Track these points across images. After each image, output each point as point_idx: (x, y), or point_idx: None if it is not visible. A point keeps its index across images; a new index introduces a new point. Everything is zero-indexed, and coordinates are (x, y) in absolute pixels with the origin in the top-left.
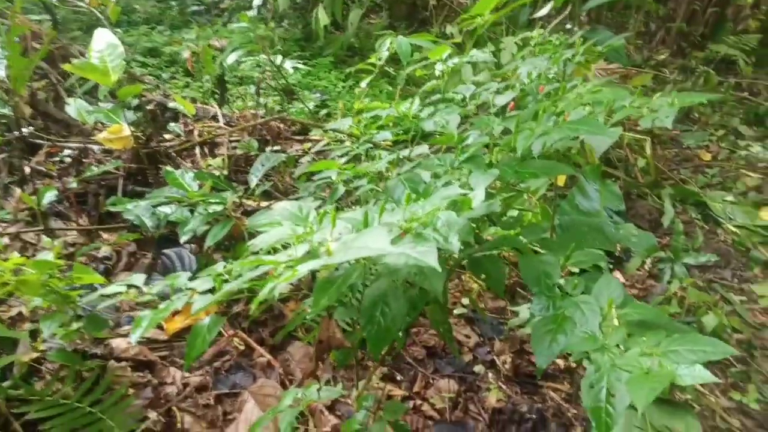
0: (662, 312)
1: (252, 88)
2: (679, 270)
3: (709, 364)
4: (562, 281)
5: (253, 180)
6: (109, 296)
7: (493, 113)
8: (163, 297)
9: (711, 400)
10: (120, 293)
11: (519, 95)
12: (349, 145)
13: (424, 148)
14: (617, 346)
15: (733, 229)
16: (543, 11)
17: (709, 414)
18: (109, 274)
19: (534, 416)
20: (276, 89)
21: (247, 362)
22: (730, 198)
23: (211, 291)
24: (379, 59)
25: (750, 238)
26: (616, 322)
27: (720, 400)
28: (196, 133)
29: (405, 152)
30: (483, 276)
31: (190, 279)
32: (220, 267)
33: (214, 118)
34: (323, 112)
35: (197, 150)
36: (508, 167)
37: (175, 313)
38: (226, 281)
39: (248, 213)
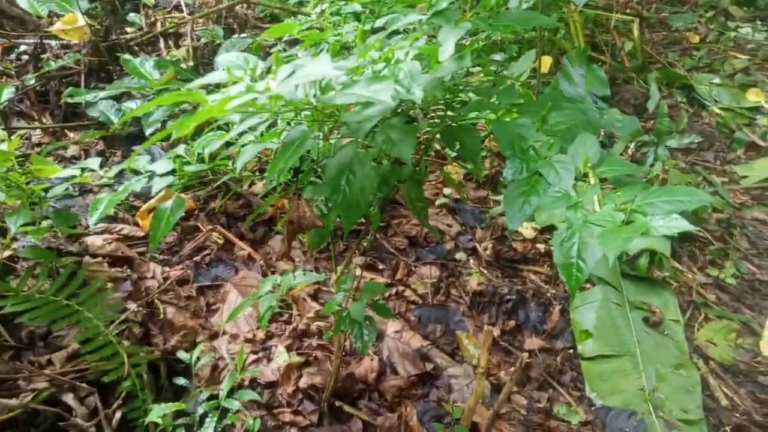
0: (636, 167)
1: None
2: (662, 152)
3: (687, 243)
4: (537, 144)
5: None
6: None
7: None
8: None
9: (688, 276)
10: (75, 176)
11: None
12: (314, 18)
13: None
14: (591, 203)
15: (718, 112)
16: None
17: (686, 290)
18: None
19: (514, 297)
20: None
21: (227, 256)
22: (716, 80)
23: (173, 173)
24: None
25: (735, 119)
26: (592, 180)
27: (697, 276)
28: (158, 23)
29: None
30: (457, 147)
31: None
32: (181, 149)
33: (177, 8)
34: None
35: (161, 42)
36: (481, 20)
37: (149, 210)
38: (187, 163)
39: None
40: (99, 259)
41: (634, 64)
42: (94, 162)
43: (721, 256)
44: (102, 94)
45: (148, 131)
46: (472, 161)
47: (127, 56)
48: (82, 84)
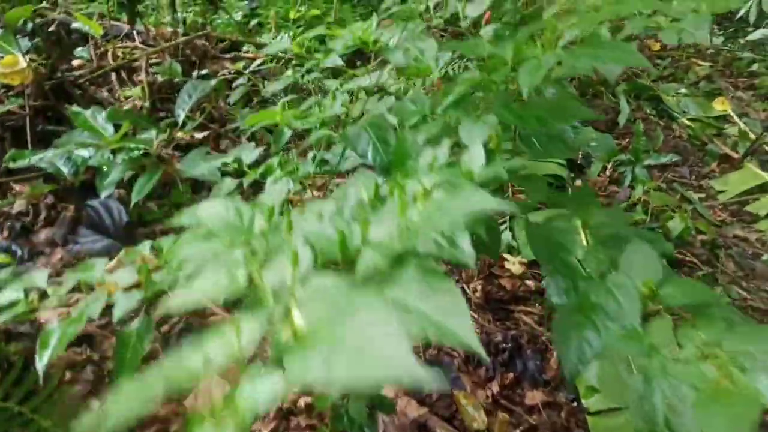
0: (708, 290)
1: None
2: (640, 172)
3: (676, 269)
4: (580, 252)
5: (181, 114)
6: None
7: (465, 28)
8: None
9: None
10: (17, 302)
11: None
12: (291, 75)
13: (384, 75)
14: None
15: (688, 123)
16: None
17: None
18: (28, 233)
19: (509, 345)
20: None
21: (198, 321)
22: (683, 90)
23: (137, 286)
24: None
25: (704, 130)
26: (655, 305)
27: None
28: (109, 55)
29: (363, 81)
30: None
31: (121, 235)
32: (146, 247)
33: (128, 36)
34: (254, 22)
35: (113, 76)
36: (507, 110)
37: (110, 272)
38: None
39: (181, 147)
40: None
41: (601, 76)
42: (40, 277)
43: (710, 281)
44: (49, 154)
45: (103, 194)
46: (492, 256)
47: (76, 108)
48: (28, 129)
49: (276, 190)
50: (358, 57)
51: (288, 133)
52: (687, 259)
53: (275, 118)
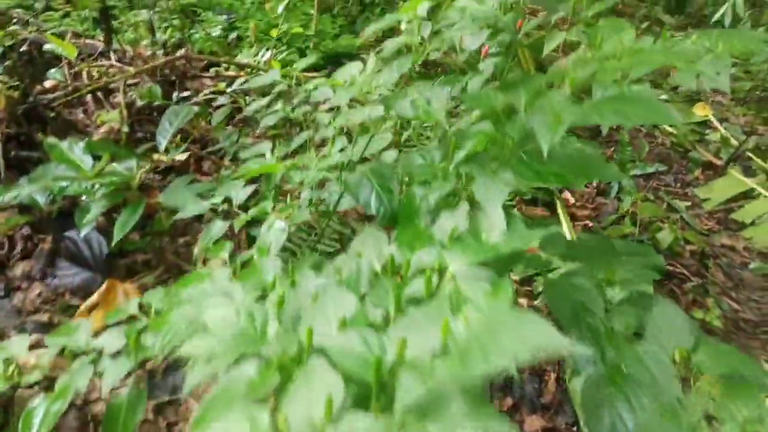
0: (742, 356)
1: (144, 13)
2: (627, 183)
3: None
4: (605, 312)
5: (162, 142)
6: None
7: (465, 62)
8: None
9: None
10: None
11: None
12: (281, 108)
13: (378, 110)
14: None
15: (670, 130)
16: None
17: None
18: (3, 268)
19: None
20: (174, 12)
21: None
22: (663, 96)
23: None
24: None
25: (687, 137)
26: (685, 369)
27: None
28: (84, 75)
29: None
30: None
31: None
32: (132, 306)
33: (104, 54)
34: (233, 35)
35: (89, 97)
36: (525, 166)
37: (92, 307)
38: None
39: (162, 171)
40: (35, 387)
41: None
42: (20, 342)
43: (700, 293)
44: (24, 191)
45: (83, 232)
46: None
47: (52, 140)
48: (0, 157)
49: (272, 237)
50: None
51: (279, 175)
52: (677, 270)
53: (272, 170)
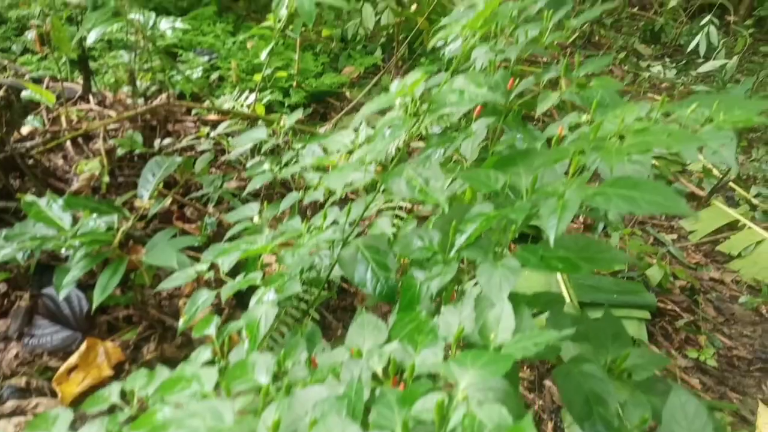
0: None
1: (125, 55)
2: (613, 217)
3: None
4: (618, 402)
5: (144, 194)
6: None
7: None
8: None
9: (670, 361)
10: None
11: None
12: (270, 169)
13: (371, 174)
14: None
15: (653, 161)
16: None
17: (670, 376)
18: None
19: None
20: (155, 52)
21: None
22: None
23: None
24: (278, 20)
25: (669, 167)
26: None
27: (677, 361)
28: (63, 120)
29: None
30: None
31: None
32: (113, 393)
33: (83, 98)
34: (214, 75)
35: (69, 145)
36: (530, 252)
37: (71, 369)
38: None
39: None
40: None
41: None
42: None
43: (693, 330)
44: (0, 252)
45: (62, 294)
46: None
47: (29, 197)
48: None
49: (261, 312)
50: (322, 104)
51: (269, 235)
52: (668, 308)
53: (262, 251)
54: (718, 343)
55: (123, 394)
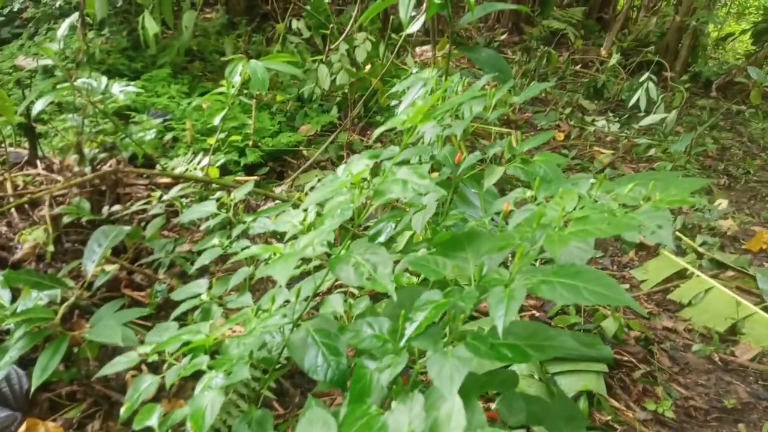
0: None
1: (74, 117)
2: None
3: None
4: None
5: (90, 267)
6: None
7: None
8: None
9: (629, 414)
10: None
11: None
12: (219, 243)
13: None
14: None
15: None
16: (415, 26)
17: (630, 429)
18: None
19: None
20: (106, 115)
21: None
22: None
23: None
24: (232, 86)
25: None
26: None
27: (637, 414)
28: (8, 186)
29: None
30: None
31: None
32: None
33: (30, 162)
34: (168, 136)
35: (14, 214)
36: (480, 341)
37: None
38: None
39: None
40: None
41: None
42: None
43: (650, 381)
44: None
45: (1, 373)
46: None
47: None
48: None
49: (207, 401)
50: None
51: (218, 312)
52: (625, 359)
53: (205, 344)
54: (675, 393)
55: None
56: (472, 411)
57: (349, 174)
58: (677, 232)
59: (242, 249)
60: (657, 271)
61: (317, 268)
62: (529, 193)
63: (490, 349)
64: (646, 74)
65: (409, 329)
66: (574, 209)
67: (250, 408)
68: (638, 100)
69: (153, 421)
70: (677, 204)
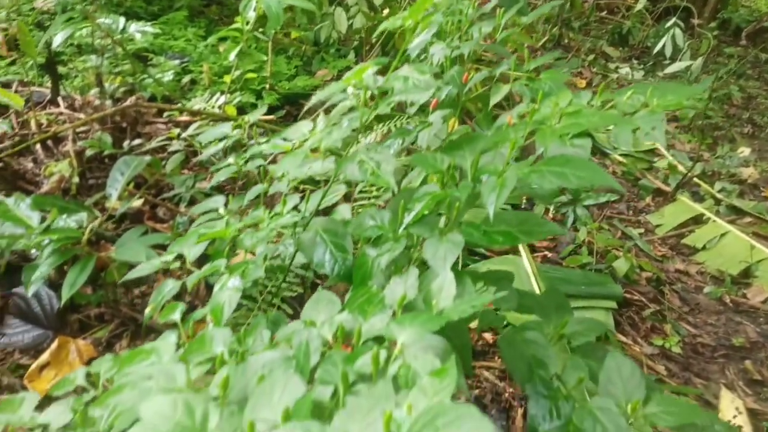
0: (695, 408)
1: (94, 58)
2: (581, 212)
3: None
4: (558, 366)
5: (113, 194)
6: None
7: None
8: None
9: (636, 349)
10: None
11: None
12: (235, 163)
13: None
14: None
15: (620, 159)
16: None
17: (636, 362)
18: None
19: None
20: (125, 56)
21: None
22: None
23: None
24: (246, 22)
25: (636, 165)
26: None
27: (644, 348)
28: (32, 123)
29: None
30: None
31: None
32: (80, 376)
33: (52, 101)
34: (186, 79)
35: (38, 146)
36: (474, 228)
37: (43, 366)
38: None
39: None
40: None
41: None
42: None
43: (658, 319)
44: None
45: (30, 290)
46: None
47: None
48: None
49: (225, 297)
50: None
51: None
52: (635, 298)
53: (222, 235)
54: (683, 331)
55: (89, 375)
56: (463, 286)
57: (354, 72)
58: (695, 178)
59: (256, 167)
60: (673, 216)
61: (326, 182)
62: (533, 107)
63: (483, 235)
64: (673, 20)
65: (407, 218)
66: (569, 106)
67: (263, 312)
68: (664, 46)
69: (176, 316)
70: (673, 107)
